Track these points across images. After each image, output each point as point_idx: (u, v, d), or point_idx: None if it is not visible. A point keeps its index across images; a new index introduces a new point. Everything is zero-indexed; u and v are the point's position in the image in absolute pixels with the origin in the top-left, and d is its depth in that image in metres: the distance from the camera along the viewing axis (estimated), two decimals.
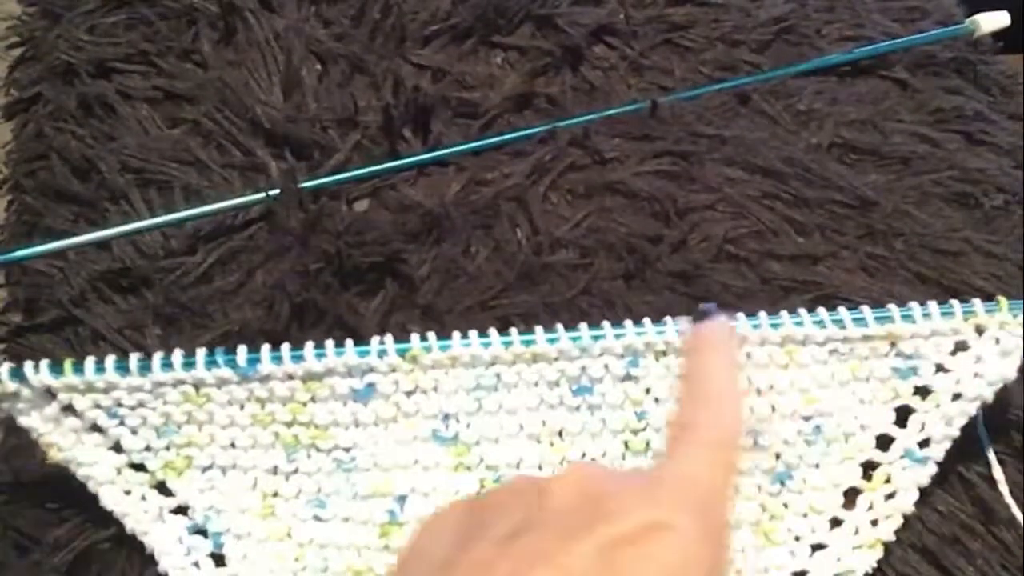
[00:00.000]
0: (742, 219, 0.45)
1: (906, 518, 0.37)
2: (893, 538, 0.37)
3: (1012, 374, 0.36)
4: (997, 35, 0.55)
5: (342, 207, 0.44)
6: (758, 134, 0.48)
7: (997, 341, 0.36)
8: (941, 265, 0.45)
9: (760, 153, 0.47)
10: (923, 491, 0.38)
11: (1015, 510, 0.37)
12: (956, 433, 0.37)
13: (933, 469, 0.37)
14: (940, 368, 0.37)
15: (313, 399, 0.37)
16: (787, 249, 0.44)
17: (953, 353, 0.37)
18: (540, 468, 0.37)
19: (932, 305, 0.37)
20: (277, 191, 0.43)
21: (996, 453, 0.38)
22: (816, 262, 0.44)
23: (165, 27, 0.49)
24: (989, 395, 0.36)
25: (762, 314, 0.37)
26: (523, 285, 0.43)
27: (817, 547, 0.37)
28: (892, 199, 0.47)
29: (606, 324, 0.36)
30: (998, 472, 0.38)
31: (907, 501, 0.37)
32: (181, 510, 0.37)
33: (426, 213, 0.44)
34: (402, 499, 0.36)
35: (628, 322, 0.37)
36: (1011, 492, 0.38)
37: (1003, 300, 0.37)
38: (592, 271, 0.43)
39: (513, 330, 0.37)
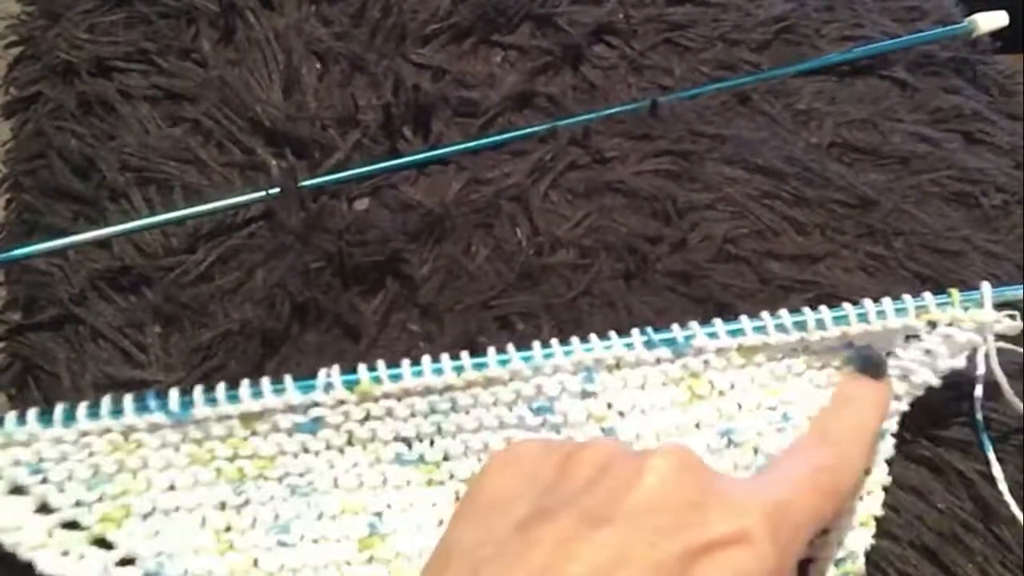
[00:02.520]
0: (742, 218, 0.45)
1: (905, 516, 0.38)
2: (881, 512, 0.36)
3: (961, 364, 0.37)
4: (996, 35, 0.55)
5: (342, 206, 0.44)
6: (758, 134, 0.48)
7: (947, 338, 0.37)
8: (940, 265, 0.45)
9: (760, 152, 0.47)
10: (922, 488, 0.38)
11: (1015, 508, 0.37)
12: (905, 408, 0.37)
13: (891, 441, 0.37)
14: (890, 355, 0.37)
15: (254, 433, 0.35)
16: (787, 249, 0.45)
17: (904, 345, 0.37)
18: None
19: (886, 301, 0.37)
20: (277, 190, 0.43)
21: (996, 451, 0.38)
22: (816, 261, 0.44)
23: (165, 26, 0.49)
24: (936, 381, 0.37)
25: (717, 321, 0.37)
26: (523, 285, 0.43)
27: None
28: (891, 198, 0.47)
29: (554, 342, 0.36)
30: (997, 470, 0.38)
31: (881, 474, 0.37)
32: (127, 561, 0.35)
33: (426, 212, 0.44)
34: (379, 514, 0.36)
35: (575, 339, 0.37)
36: (1011, 490, 0.38)
37: (955, 292, 0.37)
38: (592, 271, 0.43)
39: (464, 354, 0.36)
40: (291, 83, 0.47)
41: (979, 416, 0.38)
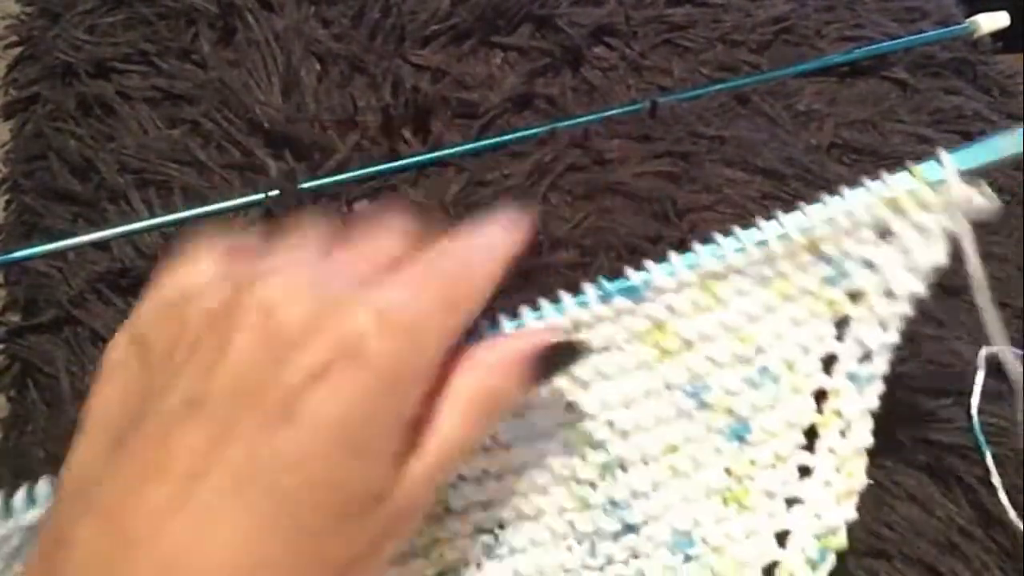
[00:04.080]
0: (741, 219, 0.45)
1: (902, 524, 0.38)
2: (866, 482, 0.34)
3: (942, 259, 0.33)
4: (996, 35, 0.55)
5: (342, 208, 0.44)
6: (758, 135, 0.48)
7: (917, 225, 0.33)
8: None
9: (760, 154, 0.47)
10: (920, 496, 0.38)
11: (1012, 515, 0.37)
12: (895, 339, 0.33)
13: (880, 387, 0.34)
14: (868, 265, 0.33)
15: None
16: None
17: (877, 243, 0.33)
18: (481, 482, 0.33)
19: (847, 192, 0.33)
20: (276, 192, 0.43)
21: (994, 456, 0.38)
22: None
23: (164, 27, 0.49)
24: (922, 289, 0.33)
25: (672, 255, 0.33)
26: (522, 285, 0.42)
27: (792, 501, 0.34)
28: None
29: (503, 318, 0.32)
30: (995, 476, 0.38)
31: (863, 435, 0.34)
32: None
33: (425, 212, 0.44)
34: None
35: (525, 309, 0.32)
36: (1010, 496, 0.37)
37: (917, 170, 0.33)
38: (592, 270, 0.43)
39: None
40: (290, 84, 0.47)
41: (976, 420, 0.38)
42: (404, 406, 0.25)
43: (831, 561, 0.33)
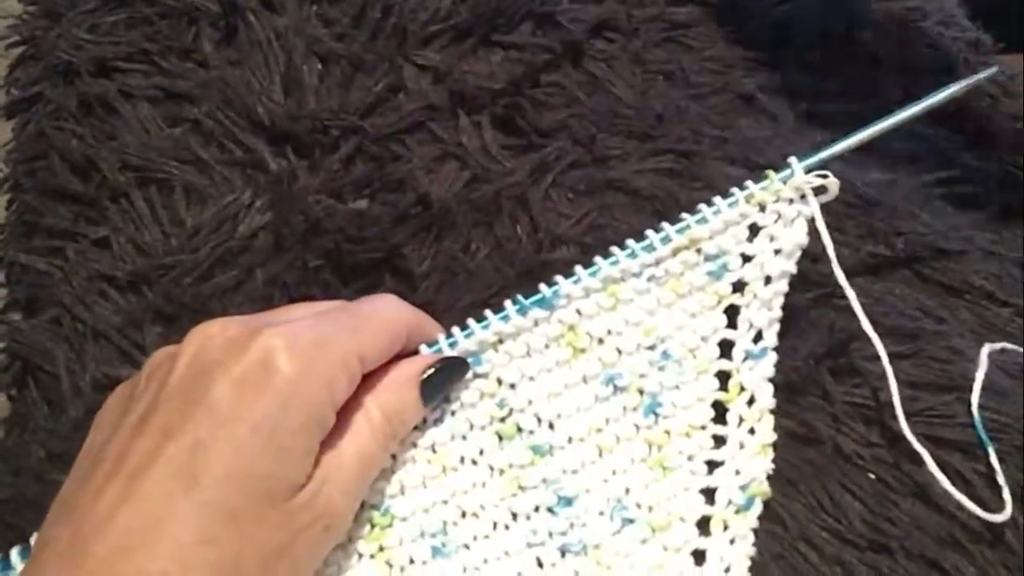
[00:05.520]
0: None
1: (905, 517, 0.37)
2: (774, 437, 0.37)
3: (803, 239, 0.39)
4: (997, 36, 0.55)
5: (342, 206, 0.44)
6: (760, 132, 0.48)
7: (779, 216, 0.39)
8: (942, 264, 0.45)
9: (762, 152, 0.47)
10: (923, 491, 0.38)
11: (1009, 507, 0.37)
12: (779, 314, 0.38)
13: (774, 357, 0.38)
14: (746, 258, 0.39)
15: None
16: None
17: (750, 239, 0.39)
18: (424, 486, 0.36)
19: (717, 199, 0.39)
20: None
21: (996, 452, 0.38)
22: (816, 261, 0.44)
23: (166, 26, 0.49)
24: (792, 267, 0.39)
25: (578, 267, 0.38)
26: (523, 283, 0.42)
27: (712, 464, 0.37)
28: (893, 198, 0.46)
29: (440, 336, 0.37)
30: (998, 473, 0.38)
31: (766, 398, 0.38)
32: None
33: (426, 209, 0.44)
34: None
35: (455, 328, 0.37)
36: (1012, 491, 0.37)
37: (771, 173, 0.39)
38: None
39: None
40: (292, 83, 0.47)
41: (978, 416, 0.38)
42: (315, 408, 0.30)
43: (758, 507, 0.37)
